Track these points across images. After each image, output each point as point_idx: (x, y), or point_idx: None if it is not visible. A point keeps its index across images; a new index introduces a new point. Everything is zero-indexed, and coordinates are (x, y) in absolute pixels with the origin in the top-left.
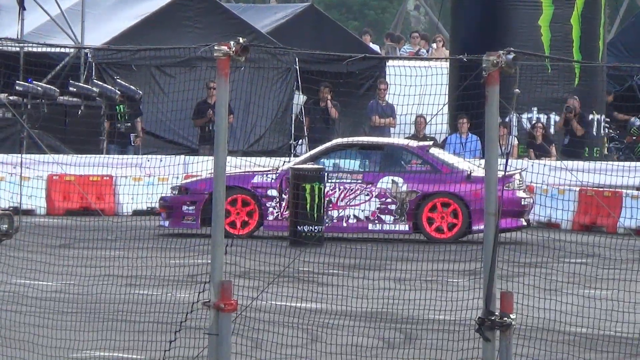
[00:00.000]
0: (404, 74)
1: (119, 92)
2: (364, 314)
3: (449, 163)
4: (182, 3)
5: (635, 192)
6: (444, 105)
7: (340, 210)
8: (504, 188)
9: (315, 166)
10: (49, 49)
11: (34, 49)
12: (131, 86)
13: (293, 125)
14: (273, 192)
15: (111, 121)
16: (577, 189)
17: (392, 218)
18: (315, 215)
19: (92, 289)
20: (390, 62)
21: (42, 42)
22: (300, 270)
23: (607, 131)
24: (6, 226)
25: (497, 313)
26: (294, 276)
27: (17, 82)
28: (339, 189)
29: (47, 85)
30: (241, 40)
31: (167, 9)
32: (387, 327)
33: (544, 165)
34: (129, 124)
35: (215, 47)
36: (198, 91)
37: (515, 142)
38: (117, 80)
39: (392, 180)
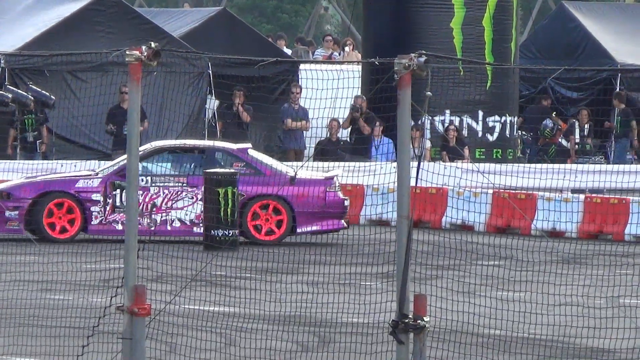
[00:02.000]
0: (317, 78)
1: (32, 98)
2: (279, 318)
3: (270, 165)
4: (95, 8)
5: (548, 194)
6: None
7: (164, 214)
8: (328, 190)
9: (230, 170)
10: None
11: None
12: (44, 91)
13: (206, 130)
14: (97, 197)
15: (18, 130)
16: (491, 191)
17: None
18: (230, 220)
19: (5, 294)
20: (302, 66)
21: None
22: (214, 274)
23: (520, 133)
24: None
25: (410, 316)
26: (208, 280)
27: None
28: (163, 193)
29: None
30: (153, 45)
31: (79, 14)
32: (302, 331)
33: (457, 168)
34: (36, 133)
35: (127, 52)
36: (111, 96)
37: (429, 144)
38: (30, 85)
39: None
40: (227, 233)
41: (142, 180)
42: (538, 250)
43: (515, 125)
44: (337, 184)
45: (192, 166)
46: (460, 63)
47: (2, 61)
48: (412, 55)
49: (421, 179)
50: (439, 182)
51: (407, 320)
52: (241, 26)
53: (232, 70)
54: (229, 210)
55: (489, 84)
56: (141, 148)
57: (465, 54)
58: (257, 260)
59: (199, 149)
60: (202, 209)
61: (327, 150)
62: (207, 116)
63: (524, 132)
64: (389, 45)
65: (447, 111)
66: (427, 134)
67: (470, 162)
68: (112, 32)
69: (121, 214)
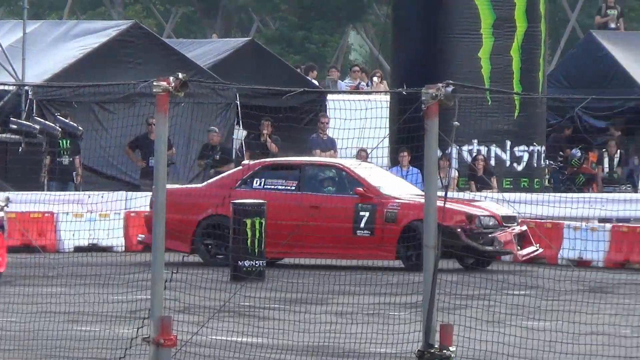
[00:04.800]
0: (345, 108)
1: (59, 129)
2: (306, 348)
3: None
4: (123, 39)
5: (576, 224)
6: (384, 137)
7: None
8: None
9: (257, 201)
10: None
11: None
12: (72, 122)
13: (234, 160)
14: None
15: (52, 157)
16: (519, 220)
17: None
18: (256, 250)
19: (32, 326)
20: (330, 96)
21: None
22: (241, 304)
23: (547, 162)
24: None
25: (436, 346)
26: (235, 311)
27: None
28: None
29: None
30: (180, 75)
31: (108, 45)
32: None
33: (485, 197)
34: (72, 159)
35: (155, 83)
36: (138, 127)
37: (456, 174)
38: (58, 117)
39: None
40: (254, 264)
41: None
42: (565, 279)
43: (543, 155)
44: None
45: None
46: (488, 93)
47: (30, 93)
48: (440, 85)
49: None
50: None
51: (433, 350)
52: (269, 57)
53: (260, 100)
54: (256, 241)
55: (516, 114)
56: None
57: (493, 84)
58: (284, 290)
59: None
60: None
61: None
62: (234, 146)
63: (551, 162)
64: (417, 75)
65: (475, 141)
66: (455, 163)
67: (498, 192)
68: (140, 64)
69: None
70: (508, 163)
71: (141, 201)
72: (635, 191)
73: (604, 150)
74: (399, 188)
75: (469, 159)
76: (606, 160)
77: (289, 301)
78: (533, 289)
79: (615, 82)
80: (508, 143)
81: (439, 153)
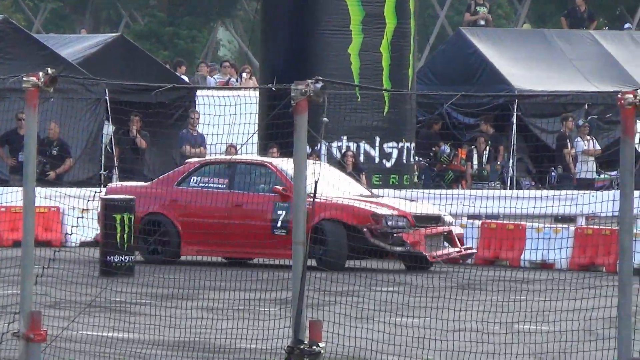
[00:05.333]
0: (214, 104)
1: None
2: (176, 344)
3: None
4: None
5: (538, 225)
6: (253, 133)
7: None
8: None
9: (127, 196)
10: None
11: None
12: None
13: (103, 156)
14: None
15: None
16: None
17: None
18: (126, 245)
19: None
20: (200, 92)
21: None
22: (111, 300)
23: (417, 159)
24: None
25: (306, 342)
26: (105, 306)
27: None
28: None
29: None
30: (50, 71)
31: None
32: (199, 357)
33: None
34: None
35: (24, 78)
36: (9, 122)
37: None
38: None
39: None
40: (123, 259)
41: None
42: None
43: (412, 151)
44: None
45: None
46: (357, 89)
47: None
48: (309, 81)
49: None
50: None
51: (302, 346)
52: (138, 52)
53: (129, 96)
54: (125, 236)
55: (386, 110)
56: None
57: (362, 80)
58: (155, 286)
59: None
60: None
61: None
62: (104, 142)
63: (421, 158)
64: (286, 71)
65: (344, 137)
66: (324, 160)
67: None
68: (9, 58)
69: None
70: (377, 159)
71: (11, 196)
72: (505, 188)
73: (473, 146)
74: (341, 189)
75: (338, 156)
76: (475, 157)
77: (159, 296)
78: (401, 286)
79: (484, 78)
80: (377, 139)
81: (308, 149)
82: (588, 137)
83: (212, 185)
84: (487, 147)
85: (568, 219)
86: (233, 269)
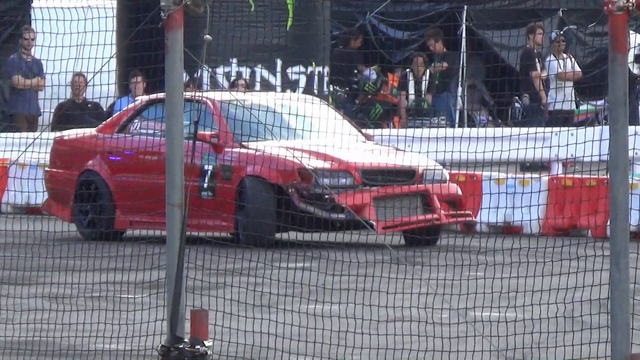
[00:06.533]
0: (57, 19)
1: None
2: (8, 345)
3: None
4: None
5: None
6: (110, 58)
7: None
8: None
9: None
10: None
11: None
12: None
13: None
14: None
15: None
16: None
17: None
18: None
19: None
20: (37, 3)
21: None
22: None
23: (332, 88)
24: None
25: (186, 339)
26: None
27: None
28: None
29: None
30: None
31: None
32: None
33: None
34: None
35: None
36: None
37: None
38: None
39: None
40: None
41: None
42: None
43: (326, 78)
44: None
45: None
46: None
47: None
48: None
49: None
50: None
51: (181, 345)
52: None
53: None
54: None
55: (289, 24)
56: None
57: None
58: None
59: None
60: None
61: (72, 117)
62: None
63: (337, 87)
64: None
65: (234, 60)
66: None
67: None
68: None
69: None
70: (279, 90)
71: None
72: (452, 125)
73: (408, 70)
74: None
75: (226, 85)
76: (411, 85)
77: None
78: (315, 261)
79: None
80: (279, 63)
81: (185, 77)
82: (564, 55)
83: (153, 131)
84: (427, 71)
85: (539, 166)
86: (86, 243)
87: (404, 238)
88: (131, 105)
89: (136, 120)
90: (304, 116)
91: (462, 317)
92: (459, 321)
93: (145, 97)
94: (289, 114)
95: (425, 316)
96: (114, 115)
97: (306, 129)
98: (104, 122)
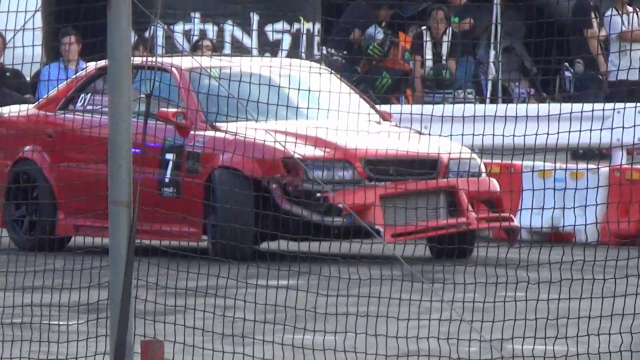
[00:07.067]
0: None
1: None
2: None
3: None
4: None
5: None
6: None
7: None
8: None
9: None
10: None
11: None
12: None
13: None
14: None
15: None
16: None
17: None
18: None
19: None
20: None
21: None
22: None
23: (326, 50)
24: None
25: None
26: None
27: None
28: None
29: None
30: None
31: None
32: None
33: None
34: None
35: None
36: None
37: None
38: None
39: None
40: None
41: None
42: (359, 261)
43: (317, 38)
44: None
45: None
46: None
47: None
48: None
49: None
50: None
51: None
52: None
53: None
54: None
55: None
56: None
57: None
58: None
59: None
60: None
61: None
62: None
63: (332, 50)
64: None
65: (196, 15)
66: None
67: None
68: None
69: None
70: (255, 52)
71: None
72: (483, 101)
73: (424, 28)
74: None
75: (187, 47)
76: (429, 47)
77: None
78: (304, 278)
79: None
80: (255, 18)
81: (134, 37)
82: (629, 9)
83: (103, 108)
84: (449, 29)
85: (596, 155)
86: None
87: (429, 249)
88: (80, 74)
89: (84, 95)
90: (303, 89)
91: (496, 351)
92: (492, 357)
93: (94, 64)
94: (279, 86)
95: (448, 350)
96: (54, 89)
97: (303, 105)
98: (45, 97)
